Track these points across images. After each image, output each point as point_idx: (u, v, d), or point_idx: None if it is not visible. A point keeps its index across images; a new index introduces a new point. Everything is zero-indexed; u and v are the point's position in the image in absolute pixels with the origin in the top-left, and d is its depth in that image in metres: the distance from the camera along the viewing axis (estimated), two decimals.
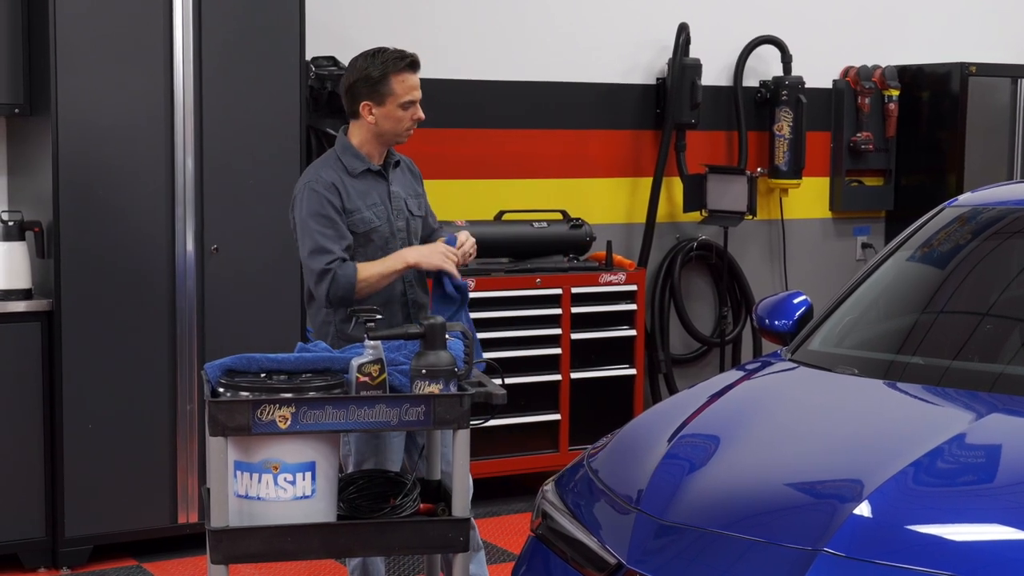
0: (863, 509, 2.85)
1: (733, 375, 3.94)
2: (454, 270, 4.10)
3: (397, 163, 4.28)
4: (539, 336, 6.26)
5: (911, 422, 3.42)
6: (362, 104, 4.13)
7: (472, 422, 3.43)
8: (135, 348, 5.31)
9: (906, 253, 4.18)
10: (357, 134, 4.19)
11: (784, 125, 7.21)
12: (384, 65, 4.11)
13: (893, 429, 3.35)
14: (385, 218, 4.17)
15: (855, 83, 7.48)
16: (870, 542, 2.76)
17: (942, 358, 3.79)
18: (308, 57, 5.69)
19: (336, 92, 6.02)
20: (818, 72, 7.40)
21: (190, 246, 5.36)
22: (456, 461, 3.41)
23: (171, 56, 5.28)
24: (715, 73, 7.15)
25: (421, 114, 4.17)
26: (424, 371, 3.41)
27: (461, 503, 3.43)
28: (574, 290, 6.34)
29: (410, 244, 4.24)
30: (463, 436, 3.39)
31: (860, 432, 3.35)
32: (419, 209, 4.32)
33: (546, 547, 3.34)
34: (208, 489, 3.28)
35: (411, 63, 4.14)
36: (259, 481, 3.27)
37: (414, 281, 4.23)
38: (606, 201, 6.98)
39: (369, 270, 4.06)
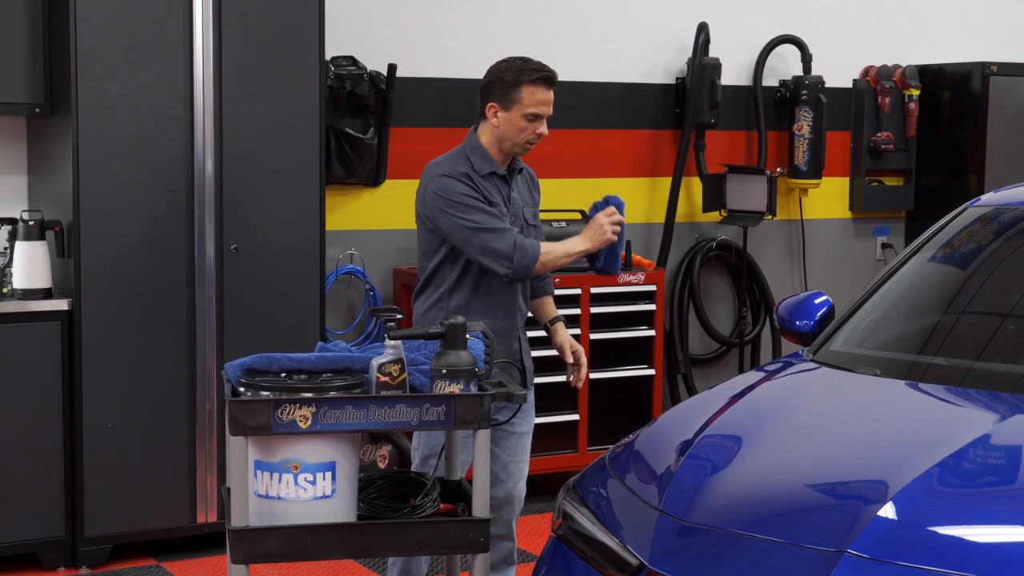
0: (887, 511, 2.83)
1: (755, 375, 3.92)
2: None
3: (520, 171, 4.33)
4: None
5: (934, 423, 3.40)
6: (489, 105, 4.20)
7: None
8: (155, 347, 5.32)
9: (928, 253, 4.16)
10: (484, 135, 4.25)
11: (804, 125, 7.19)
12: (519, 73, 4.17)
13: (916, 430, 3.34)
14: None
15: (875, 82, 7.45)
16: (895, 544, 2.75)
17: (965, 359, 3.77)
18: (327, 57, 5.69)
19: (355, 92, 6.04)
20: (838, 71, 7.38)
21: (210, 245, 5.36)
22: (476, 462, 3.40)
23: (191, 56, 5.28)
24: (735, 73, 7.13)
25: (544, 130, 4.20)
26: (444, 371, 3.39)
27: (481, 503, 3.42)
28: (593, 290, 6.33)
29: None
30: (483, 436, 3.37)
31: (883, 433, 3.33)
32: (534, 219, 4.38)
33: (567, 548, 3.33)
34: (228, 489, 3.28)
35: (546, 78, 4.18)
36: (279, 481, 3.26)
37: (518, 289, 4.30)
38: (625, 200, 6.94)
39: (551, 249, 4.16)
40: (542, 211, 6.33)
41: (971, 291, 4.07)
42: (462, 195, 4.14)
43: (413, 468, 4.14)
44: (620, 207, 4.25)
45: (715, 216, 7.09)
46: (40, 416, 5.22)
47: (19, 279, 5.26)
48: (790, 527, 2.93)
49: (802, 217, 7.42)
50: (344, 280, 6.26)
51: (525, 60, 4.22)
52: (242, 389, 3.34)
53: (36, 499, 5.24)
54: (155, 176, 5.30)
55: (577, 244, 4.21)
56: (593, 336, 6.34)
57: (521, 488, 4.38)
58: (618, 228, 4.21)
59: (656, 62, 6.99)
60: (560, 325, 4.49)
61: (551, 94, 4.20)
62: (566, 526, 3.37)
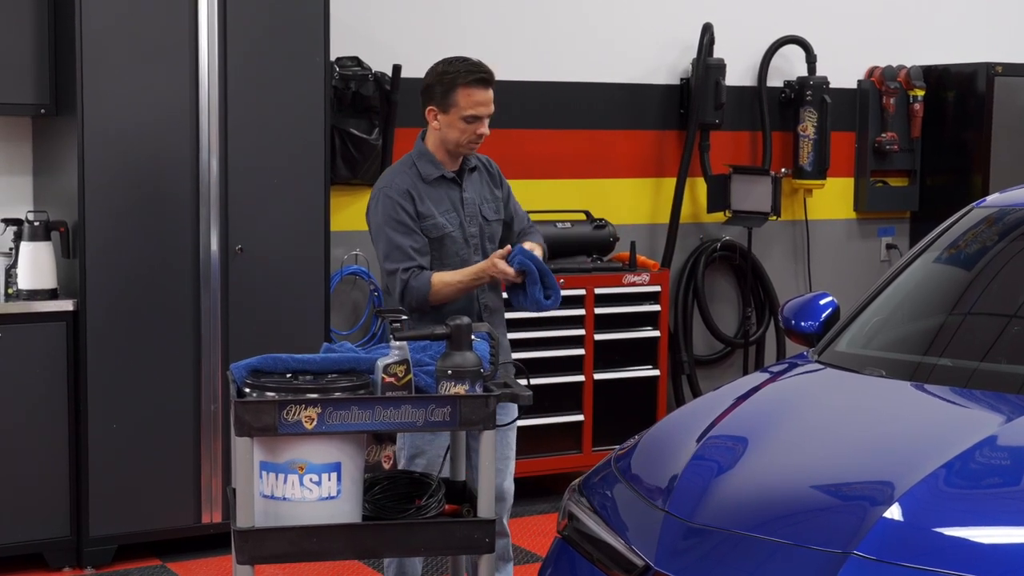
0: (894, 512, 2.83)
1: (760, 376, 3.92)
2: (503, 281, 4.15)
3: (473, 168, 4.31)
4: (563, 337, 6.25)
5: (940, 424, 3.40)
6: (428, 109, 4.19)
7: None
8: (160, 348, 5.32)
9: (934, 254, 4.16)
10: (431, 139, 4.25)
11: (808, 125, 7.18)
12: (455, 76, 4.13)
13: (922, 431, 3.33)
14: (458, 224, 4.23)
15: (880, 83, 7.44)
16: (901, 545, 2.75)
17: (970, 360, 3.76)
18: (332, 58, 5.69)
19: (360, 92, 6.04)
20: (843, 72, 7.37)
21: (215, 246, 5.36)
22: (482, 462, 3.40)
23: (196, 57, 5.29)
24: (739, 73, 7.13)
25: (485, 131, 4.16)
26: (450, 372, 3.40)
27: (486, 504, 3.42)
28: (598, 291, 6.33)
29: (483, 249, 4.28)
30: (489, 437, 3.38)
31: (889, 434, 3.33)
32: (496, 213, 4.35)
33: (572, 548, 3.33)
34: (234, 489, 3.28)
35: (481, 79, 4.13)
36: (285, 482, 3.26)
37: (486, 286, 4.27)
38: (630, 201, 6.97)
39: (445, 284, 4.12)
40: (548, 212, 6.40)
41: (976, 292, 4.06)
42: (393, 223, 4.14)
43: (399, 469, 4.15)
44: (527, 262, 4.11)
45: (719, 217, 7.09)
46: (45, 416, 5.22)
47: (24, 280, 5.26)
48: (796, 528, 2.93)
49: (807, 218, 7.42)
50: (349, 281, 6.25)
51: (462, 60, 4.18)
52: (247, 390, 3.35)
53: (41, 499, 5.24)
54: (160, 177, 5.30)
55: (458, 276, 4.15)
56: (598, 337, 6.34)
57: (509, 485, 4.38)
58: (507, 278, 4.11)
59: (660, 63, 6.99)
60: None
61: (489, 94, 4.15)
62: (571, 527, 3.37)
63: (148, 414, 5.32)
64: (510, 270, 4.08)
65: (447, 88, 4.13)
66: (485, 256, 4.26)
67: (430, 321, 4.02)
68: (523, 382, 3.61)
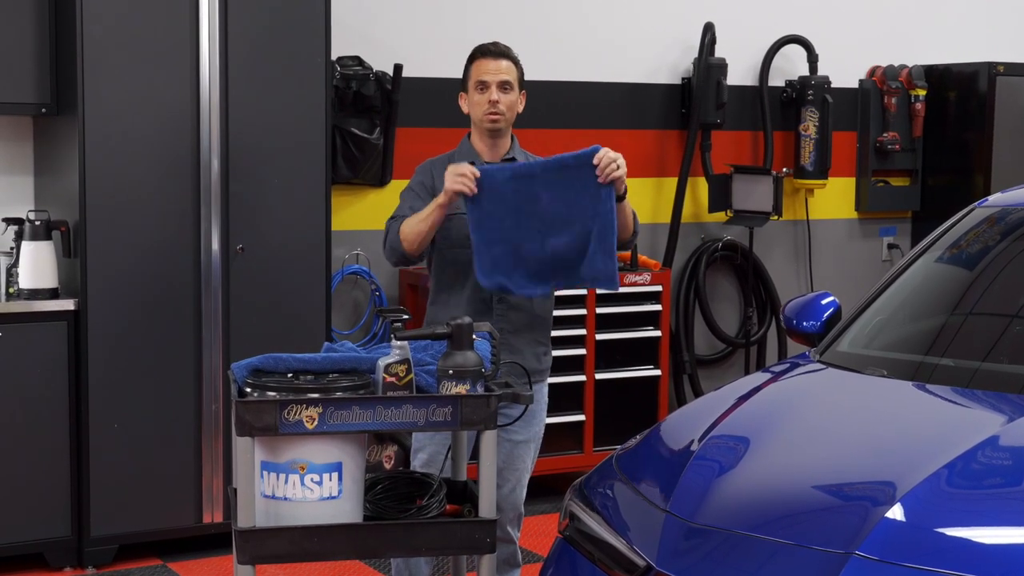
0: (896, 512, 2.83)
1: (762, 376, 3.92)
2: (464, 189, 4.02)
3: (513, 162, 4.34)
4: (564, 336, 6.23)
5: (942, 424, 3.40)
6: (460, 95, 4.33)
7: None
8: (161, 348, 5.32)
9: (935, 254, 4.16)
10: (472, 131, 4.36)
11: (810, 125, 7.18)
12: (470, 55, 4.30)
13: (924, 431, 3.33)
14: None
15: (882, 83, 7.44)
16: (903, 545, 2.74)
17: (972, 360, 3.76)
18: (333, 57, 5.69)
19: (361, 92, 6.04)
20: (844, 72, 7.37)
21: (216, 246, 5.36)
22: (483, 462, 3.40)
23: (197, 56, 5.29)
24: (741, 73, 7.13)
25: (494, 97, 4.22)
26: (451, 371, 3.39)
27: (488, 504, 3.42)
28: (599, 291, 6.32)
29: None
30: (490, 437, 3.37)
31: (891, 434, 3.33)
32: None
33: (574, 549, 3.33)
34: (235, 489, 3.28)
35: (485, 50, 4.26)
36: (286, 482, 3.26)
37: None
38: (631, 201, 6.95)
39: (408, 219, 4.18)
40: None
41: (978, 292, 4.06)
42: (407, 189, 4.31)
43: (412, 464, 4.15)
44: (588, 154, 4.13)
45: (721, 216, 7.09)
46: (46, 416, 5.22)
47: (25, 279, 5.26)
48: (798, 528, 2.93)
49: (808, 217, 7.42)
50: (350, 280, 6.25)
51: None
52: (248, 389, 3.34)
53: (42, 499, 5.24)
54: (161, 176, 5.30)
55: (431, 203, 4.14)
56: (599, 337, 6.33)
57: (518, 495, 4.37)
58: (464, 182, 4.01)
59: (662, 62, 6.99)
60: None
61: (499, 63, 4.24)
62: (573, 527, 3.37)
63: (149, 414, 5.32)
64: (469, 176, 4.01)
65: (465, 68, 4.30)
66: None
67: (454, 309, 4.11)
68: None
